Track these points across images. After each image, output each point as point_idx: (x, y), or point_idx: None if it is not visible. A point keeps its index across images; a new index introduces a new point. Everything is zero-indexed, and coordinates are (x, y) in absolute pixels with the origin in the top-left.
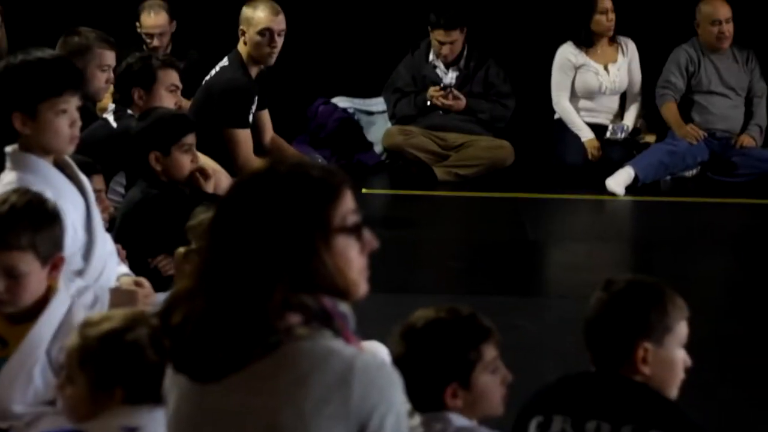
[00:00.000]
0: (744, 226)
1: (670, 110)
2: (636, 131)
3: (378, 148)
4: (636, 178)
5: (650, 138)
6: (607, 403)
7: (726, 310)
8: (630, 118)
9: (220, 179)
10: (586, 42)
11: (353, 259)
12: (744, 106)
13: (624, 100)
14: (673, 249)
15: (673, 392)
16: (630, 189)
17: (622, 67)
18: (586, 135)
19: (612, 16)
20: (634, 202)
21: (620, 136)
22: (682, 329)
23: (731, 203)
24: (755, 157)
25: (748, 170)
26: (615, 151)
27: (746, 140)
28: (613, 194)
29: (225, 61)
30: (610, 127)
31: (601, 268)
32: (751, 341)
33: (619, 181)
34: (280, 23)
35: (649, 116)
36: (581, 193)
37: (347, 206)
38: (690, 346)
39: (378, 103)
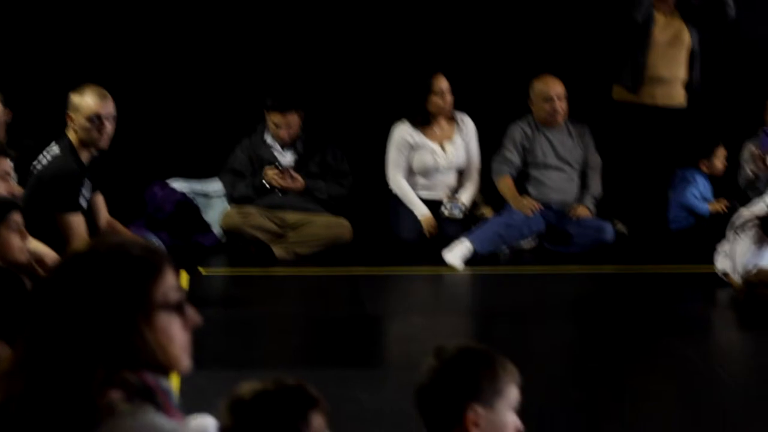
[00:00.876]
0: (581, 295)
1: (505, 184)
2: (473, 205)
3: (216, 229)
4: (473, 251)
5: (487, 211)
6: None
7: (566, 377)
8: (467, 195)
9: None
10: (423, 122)
11: (175, 335)
12: (579, 179)
13: (462, 175)
14: (512, 319)
15: None
16: (468, 261)
17: (459, 144)
18: (422, 212)
19: (448, 96)
20: (473, 275)
21: (457, 214)
22: (512, 393)
23: (568, 273)
24: (590, 227)
25: (584, 240)
26: (451, 227)
27: (581, 211)
28: (451, 267)
29: (55, 148)
30: (446, 206)
31: (440, 340)
32: (592, 408)
33: (456, 254)
34: (107, 107)
35: (486, 189)
36: (420, 266)
37: (168, 283)
38: (531, 413)
39: (215, 185)
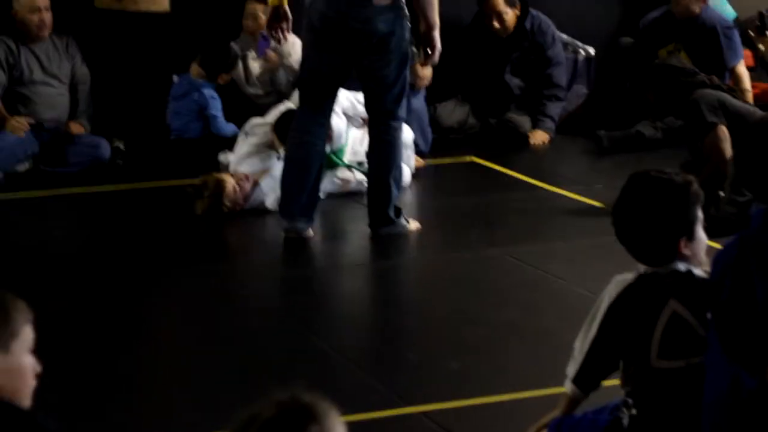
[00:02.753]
0: (83, 217)
1: None
2: None
3: None
4: None
5: None
6: None
7: (79, 312)
8: None
9: None
10: None
11: None
12: (69, 94)
13: None
14: (33, 249)
15: (26, 401)
16: None
17: None
18: None
19: None
20: None
21: None
22: (27, 334)
23: (67, 194)
24: (86, 144)
25: (81, 158)
26: None
27: (75, 128)
28: None
29: None
30: None
31: None
32: (108, 339)
33: None
34: None
35: None
36: None
37: None
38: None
39: None
